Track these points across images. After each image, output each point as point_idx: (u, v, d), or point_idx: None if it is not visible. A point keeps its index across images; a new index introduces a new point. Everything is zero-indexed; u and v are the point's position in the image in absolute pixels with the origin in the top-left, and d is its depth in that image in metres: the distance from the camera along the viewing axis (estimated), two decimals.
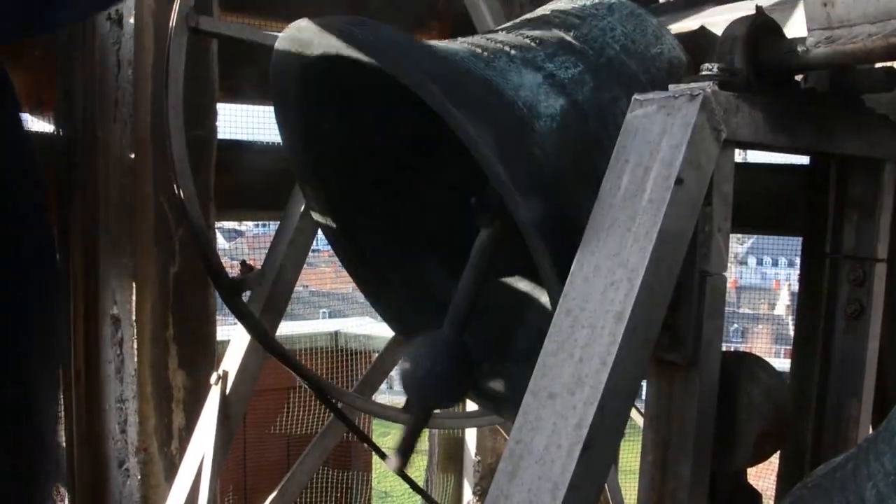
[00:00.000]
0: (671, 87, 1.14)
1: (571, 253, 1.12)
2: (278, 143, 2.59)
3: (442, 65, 1.29)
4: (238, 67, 2.37)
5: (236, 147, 2.59)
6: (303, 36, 1.42)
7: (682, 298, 1.14)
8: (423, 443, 3.91)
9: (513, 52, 1.37)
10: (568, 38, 1.41)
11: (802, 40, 1.17)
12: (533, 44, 1.40)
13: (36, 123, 2.42)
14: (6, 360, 1.26)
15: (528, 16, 1.57)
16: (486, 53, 1.36)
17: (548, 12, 1.52)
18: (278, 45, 1.47)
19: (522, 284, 1.66)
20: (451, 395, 1.48)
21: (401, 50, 1.27)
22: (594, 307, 1.06)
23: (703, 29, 1.56)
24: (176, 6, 1.89)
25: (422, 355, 1.34)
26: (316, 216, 1.73)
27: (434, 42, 1.44)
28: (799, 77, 1.32)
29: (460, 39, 1.45)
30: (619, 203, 1.10)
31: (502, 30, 1.51)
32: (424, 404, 1.39)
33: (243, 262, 2.06)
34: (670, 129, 1.09)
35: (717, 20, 1.67)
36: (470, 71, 1.31)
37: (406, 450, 1.41)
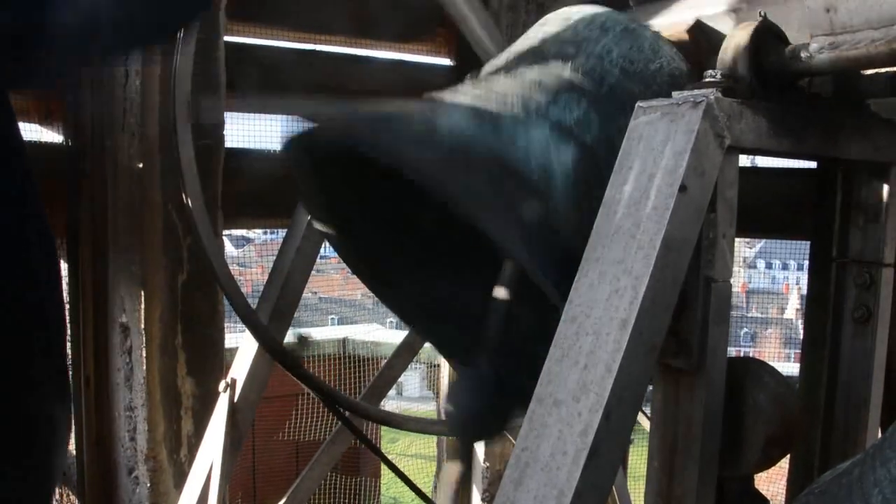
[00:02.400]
0: (674, 94, 1.15)
1: None
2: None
3: (457, 162, 1.29)
4: (244, 77, 2.38)
5: (243, 155, 2.60)
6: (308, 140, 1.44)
7: (687, 305, 1.14)
8: (431, 449, 3.91)
9: (514, 103, 1.37)
10: (566, 73, 1.40)
11: (806, 46, 1.17)
12: (533, 88, 1.39)
13: (44, 133, 2.44)
14: (9, 379, 1.27)
15: (521, 45, 1.55)
16: (488, 116, 1.35)
17: (540, 41, 1.50)
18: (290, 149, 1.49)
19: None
20: (495, 429, 1.52)
21: (411, 156, 1.28)
22: (599, 314, 1.06)
23: (698, 24, 1.55)
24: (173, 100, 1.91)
25: (463, 397, 1.40)
26: (318, 225, 1.74)
27: (432, 106, 1.42)
28: (803, 82, 1.32)
29: (460, 93, 1.45)
30: (623, 210, 1.10)
31: (500, 70, 1.50)
32: (469, 442, 1.44)
33: (300, 336, 2.09)
34: (674, 136, 1.09)
35: (711, 13, 1.67)
36: (481, 153, 1.31)
37: (460, 483, 1.47)
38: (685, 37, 1.56)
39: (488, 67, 1.59)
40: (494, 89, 1.42)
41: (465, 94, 1.43)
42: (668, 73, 1.44)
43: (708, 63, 1.20)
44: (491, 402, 1.37)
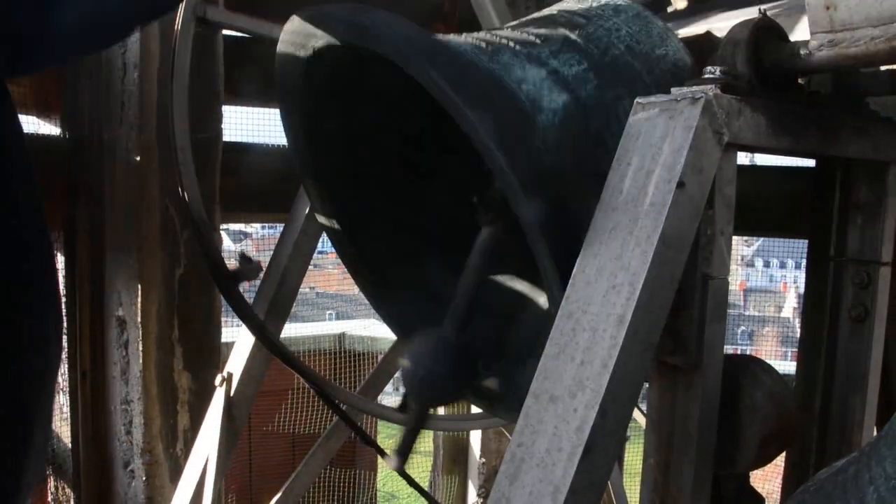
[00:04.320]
0: (673, 90, 1.14)
1: (572, 250, 1.12)
2: (283, 146, 2.61)
3: (445, 54, 1.28)
4: (242, 68, 2.37)
5: (242, 149, 2.60)
6: (306, 28, 1.42)
7: (684, 302, 1.14)
8: (428, 445, 3.91)
9: (517, 47, 1.37)
10: (573, 36, 1.41)
11: (805, 44, 1.16)
12: (537, 41, 1.39)
13: (42, 126, 2.44)
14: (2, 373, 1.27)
15: (534, 15, 1.57)
16: (489, 48, 1.36)
17: (554, 12, 1.52)
18: (282, 37, 1.47)
19: (520, 284, 1.67)
20: (451, 395, 1.49)
21: (404, 38, 1.26)
22: (596, 310, 1.06)
23: (708, 34, 1.56)
24: None
25: (422, 354, 1.35)
26: (319, 216, 1.74)
27: (439, 35, 1.43)
28: (802, 80, 1.32)
29: (465, 35, 1.45)
30: (621, 206, 1.10)
31: (508, 27, 1.51)
32: (424, 404, 1.39)
33: (242, 254, 2.05)
34: (672, 132, 1.09)
35: (723, 26, 1.67)
36: (473, 62, 1.31)
37: (405, 449, 1.42)
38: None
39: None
40: (499, 34, 1.41)
41: (467, 35, 1.43)
42: (671, 62, 1.45)
43: (710, 63, 1.20)
44: (448, 366, 1.34)
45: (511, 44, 1.38)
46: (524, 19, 1.56)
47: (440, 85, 1.17)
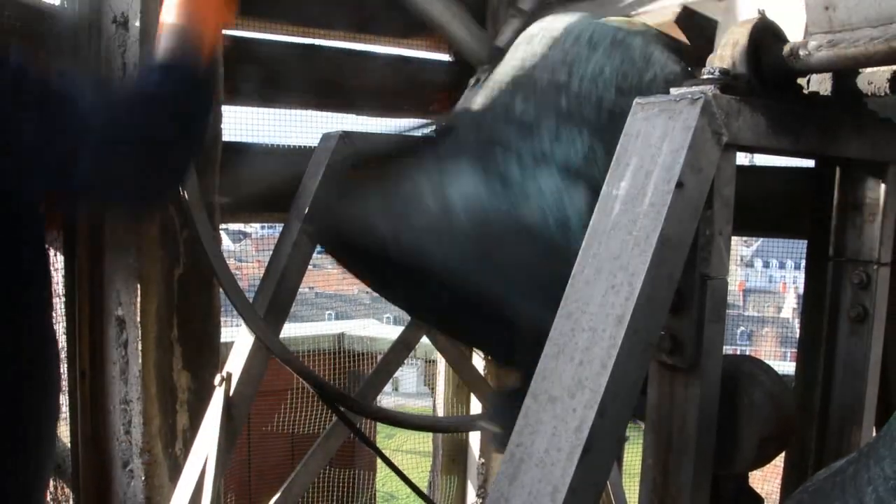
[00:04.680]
0: (672, 90, 1.14)
1: None
2: (282, 145, 2.61)
3: (478, 250, 1.29)
4: (240, 68, 2.37)
5: (242, 148, 2.59)
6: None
7: (683, 302, 1.14)
8: (427, 445, 3.91)
9: (522, 149, 1.35)
10: (563, 103, 1.39)
11: (804, 44, 1.17)
12: (533, 125, 1.37)
13: None
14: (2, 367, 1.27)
15: (514, 71, 1.52)
16: (499, 169, 1.33)
17: (532, 66, 1.48)
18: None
19: None
20: None
21: (435, 254, 1.27)
22: (595, 310, 1.06)
23: (685, 10, 1.54)
24: None
25: (505, 416, 1.37)
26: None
27: (443, 171, 1.41)
28: (801, 80, 1.32)
29: (462, 135, 1.42)
30: (619, 207, 1.10)
31: (495, 102, 1.48)
32: None
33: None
34: (671, 132, 1.09)
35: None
36: (501, 226, 1.30)
37: None
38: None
39: (482, 96, 1.56)
40: (495, 135, 1.40)
41: (467, 144, 1.41)
42: (662, 80, 1.44)
43: (698, 48, 1.20)
44: None
45: (513, 144, 1.35)
46: (504, 82, 1.51)
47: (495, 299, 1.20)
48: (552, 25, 1.51)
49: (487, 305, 1.30)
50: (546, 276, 1.23)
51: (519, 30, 2.29)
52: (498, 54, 2.29)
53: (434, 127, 1.72)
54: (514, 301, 1.17)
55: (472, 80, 2.36)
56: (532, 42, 1.54)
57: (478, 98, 1.58)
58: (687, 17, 1.54)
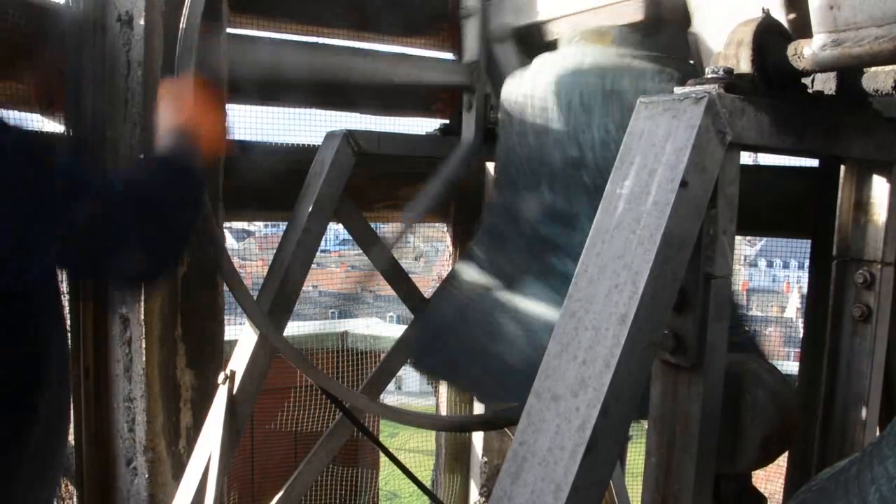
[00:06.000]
0: (676, 89, 1.14)
1: None
2: (286, 144, 2.61)
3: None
4: (245, 66, 2.37)
5: (245, 147, 2.60)
6: None
7: (686, 301, 1.14)
8: (430, 443, 3.91)
9: (569, 243, 1.33)
10: (587, 180, 1.37)
11: (809, 43, 1.16)
12: (570, 212, 1.35)
13: (46, 123, 2.44)
14: (13, 362, 1.27)
15: (519, 148, 1.51)
16: (558, 272, 1.32)
17: (539, 142, 1.46)
18: None
19: None
20: None
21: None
22: (598, 309, 1.06)
23: None
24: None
25: None
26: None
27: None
28: (806, 80, 1.32)
29: (493, 210, 1.39)
30: (623, 205, 1.10)
31: (519, 187, 1.46)
32: None
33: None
34: (675, 131, 1.09)
35: None
36: None
37: None
38: None
39: (501, 183, 1.50)
40: (540, 234, 1.38)
41: (516, 249, 1.39)
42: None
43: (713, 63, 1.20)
44: None
45: (558, 240, 1.34)
46: (516, 165, 1.50)
47: None
48: (538, 88, 1.48)
49: None
50: None
51: (480, 34, 2.34)
52: (476, 68, 2.34)
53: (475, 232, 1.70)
54: None
55: (465, 104, 2.42)
56: (525, 115, 1.51)
57: (499, 184, 1.53)
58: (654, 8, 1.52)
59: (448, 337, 1.38)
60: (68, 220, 1.19)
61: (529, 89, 1.52)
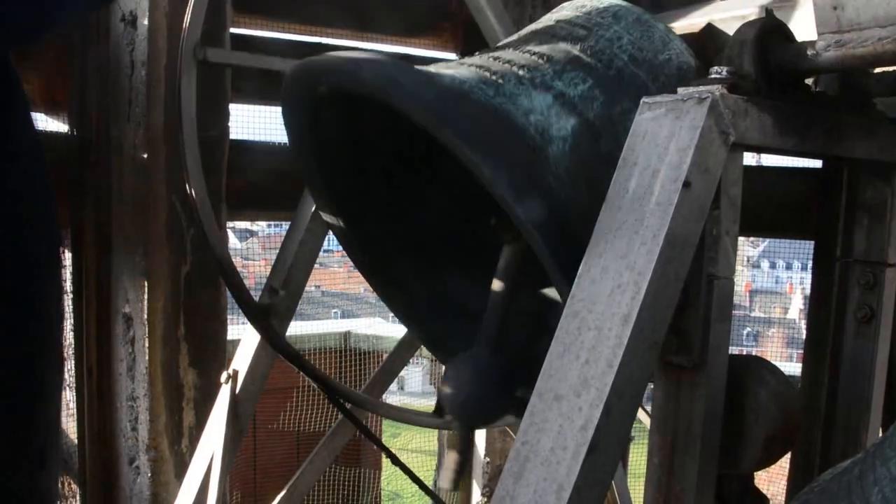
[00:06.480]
0: (680, 89, 1.14)
1: None
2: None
3: (453, 101, 1.28)
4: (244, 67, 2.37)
5: (248, 147, 2.60)
6: (312, 70, 1.43)
7: (689, 301, 1.14)
8: (432, 443, 3.91)
9: (521, 72, 1.36)
10: (575, 51, 1.40)
11: (812, 43, 1.16)
12: (541, 61, 1.38)
13: (50, 123, 2.44)
14: (13, 360, 1.28)
15: (533, 27, 1.55)
16: (494, 77, 1.35)
17: (553, 23, 1.50)
18: (289, 74, 1.48)
19: (549, 291, 1.66)
20: (493, 415, 1.51)
21: (411, 90, 1.26)
22: (601, 309, 1.06)
23: (710, 27, 1.55)
24: (183, 39, 1.91)
25: (460, 378, 1.38)
26: (326, 217, 1.74)
27: (441, 68, 1.42)
28: (809, 80, 1.32)
29: (468, 61, 1.44)
30: (626, 205, 1.10)
31: (509, 46, 1.50)
32: (467, 427, 1.43)
33: (269, 287, 2.06)
34: (678, 132, 1.09)
35: (724, 16, 1.66)
36: (481, 103, 1.30)
37: (456, 475, 1.45)
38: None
39: (497, 45, 1.58)
40: (501, 57, 1.41)
41: (470, 62, 1.42)
42: (676, 66, 1.44)
43: (715, 61, 1.20)
44: (488, 387, 1.37)
45: (514, 68, 1.37)
46: (524, 33, 1.54)
47: (453, 141, 1.19)
48: (581, 1, 1.52)
49: None
50: (511, 158, 1.23)
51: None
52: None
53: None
54: (473, 166, 1.17)
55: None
56: (559, 11, 1.55)
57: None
58: (710, 34, 1.55)
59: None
60: None
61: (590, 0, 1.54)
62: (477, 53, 1.49)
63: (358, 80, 1.32)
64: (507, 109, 1.30)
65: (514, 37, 1.57)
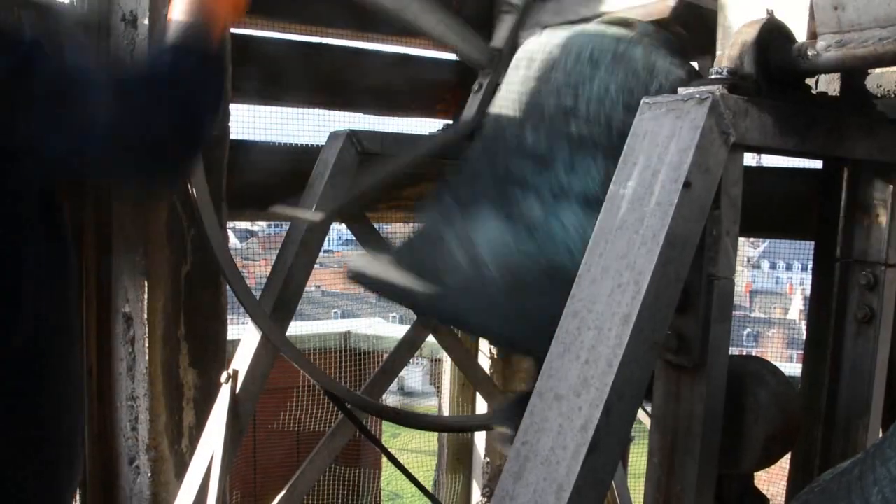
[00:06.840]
0: (680, 89, 1.14)
1: None
2: (289, 144, 2.61)
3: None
4: (242, 66, 2.37)
5: (248, 147, 2.60)
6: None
7: (689, 301, 1.14)
8: (433, 444, 3.91)
9: (539, 183, 1.35)
10: (573, 129, 1.39)
11: (813, 44, 1.16)
12: (547, 157, 1.37)
13: None
14: (13, 360, 1.28)
15: (516, 94, 1.52)
16: (520, 207, 1.34)
17: (536, 91, 1.47)
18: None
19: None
20: None
21: (472, 317, 1.27)
22: (601, 309, 1.06)
23: (683, 2, 1.53)
24: None
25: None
26: None
27: (468, 220, 1.42)
28: (810, 80, 1.32)
29: (481, 180, 1.42)
30: (627, 205, 1.10)
31: (504, 126, 1.48)
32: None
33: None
34: (679, 132, 1.09)
35: None
36: (533, 275, 1.30)
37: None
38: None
39: (490, 123, 1.55)
40: (510, 170, 1.39)
41: (484, 183, 1.41)
42: (668, 88, 1.44)
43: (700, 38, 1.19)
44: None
45: (528, 177, 1.36)
46: (507, 108, 1.52)
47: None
48: (551, 43, 1.51)
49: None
50: None
51: (513, 28, 2.29)
52: (497, 56, 2.29)
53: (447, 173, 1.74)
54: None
55: (475, 86, 2.36)
56: (532, 64, 1.53)
57: (486, 125, 1.56)
58: (686, 10, 1.53)
59: (403, 257, 1.40)
60: (99, 123, 1.18)
61: (547, 39, 1.53)
62: (467, 111, 1.48)
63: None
64: (557, 265, 1.31)
65: (503, 106, 1.54)
